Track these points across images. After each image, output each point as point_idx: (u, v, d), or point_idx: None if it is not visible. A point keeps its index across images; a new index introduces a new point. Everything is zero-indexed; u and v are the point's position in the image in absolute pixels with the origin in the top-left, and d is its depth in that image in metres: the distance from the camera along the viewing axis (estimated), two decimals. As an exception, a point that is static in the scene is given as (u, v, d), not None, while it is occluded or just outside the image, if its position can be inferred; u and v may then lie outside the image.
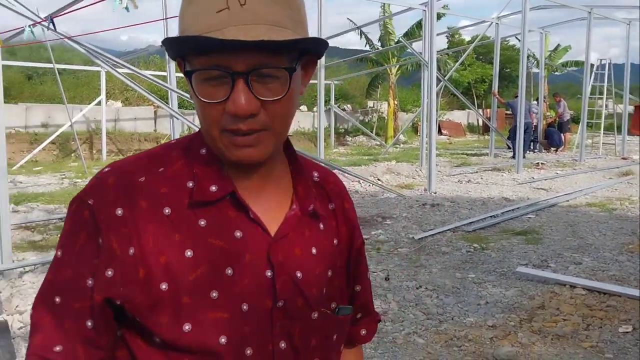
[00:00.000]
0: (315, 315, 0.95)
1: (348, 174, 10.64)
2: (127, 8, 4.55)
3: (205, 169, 0.90)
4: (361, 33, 23.12)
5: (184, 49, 0.83)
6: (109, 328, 0.87)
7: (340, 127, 25.29)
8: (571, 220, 7.91)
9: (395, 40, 22.09)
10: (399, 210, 8.64)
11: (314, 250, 0.95)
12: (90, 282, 0.84)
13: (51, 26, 5.28)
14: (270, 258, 0.90)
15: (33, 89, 20.48)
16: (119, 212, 0.85)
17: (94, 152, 17.58)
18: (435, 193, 10.13)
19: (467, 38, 31.41)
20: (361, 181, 10.96)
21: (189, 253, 0.85)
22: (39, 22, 5.46)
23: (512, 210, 8.54)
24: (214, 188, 0.88)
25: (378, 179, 11.95)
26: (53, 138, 15.88)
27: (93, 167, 14.42)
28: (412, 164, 14.73)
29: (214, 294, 0.85)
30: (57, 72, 11.10)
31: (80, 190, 0.90)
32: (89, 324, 0.84)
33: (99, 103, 17.07)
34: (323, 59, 12.30)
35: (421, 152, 14.14)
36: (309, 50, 0.87)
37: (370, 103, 27.92)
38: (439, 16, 18.48)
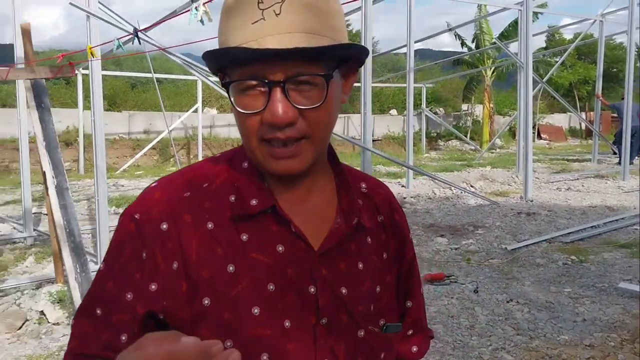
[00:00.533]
0: (362, 333, 0.92)
1: (437, 180, 10.39)
2: (202, 21, 4.65)
3: (247, 183, 0.90)
4: (456, 34, 22.62)
5: (222, 61, 0.82)
6: None
7: (432, 131, 24.83)
8: (684, 232, 7.25)
9: (491, 42, 21.41)
10: (492, 219, 8.30)
11: (360, 266, 0.93)
12: (129, 296, 0.84)
13: (137, 39, 5.51)
14: (313, 273, 0.87)
15: (136, 97, 21.69)
16: (164, 226, 0.85)
17: (191, 157, 18.31)
18: (531, 201, 9.66)
19: (568, 37, 29.95)
20: (452, 188, 10.65)
21: (230, 268, 0.85)
22: (126, 36, 5.72)
23: (616, 220, 7.95)
24: (254, 202, 0.88)
25: (471, 186, 11.58)
26: (153, 144, 16.69)
27: (189, 171, 15.01)
28: (508, 170, 14.17)
29: (256, 311, 0.84)
30: (155, 81, 11.64)
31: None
32: (124, 338, 0.85)
33: (195, 110, 17.77)
34: (412, 61, 12.12)
35: (517, 158, 13.56)
36: (348, 58, 0.85)
37: (464, 106, 27.24)
38: (537, 15, 17.70)
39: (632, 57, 12.08)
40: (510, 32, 20.25)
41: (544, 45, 30.22)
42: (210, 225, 0.86)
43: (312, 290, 0.87)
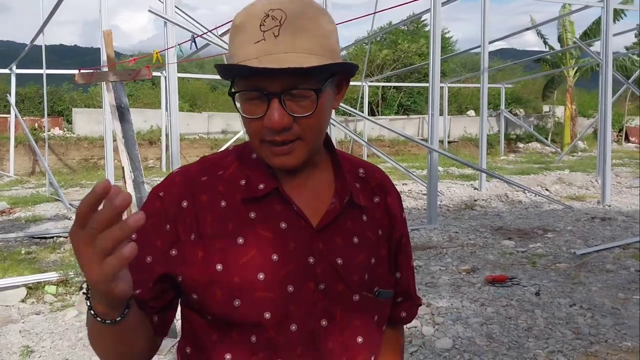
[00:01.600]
0: (357, 297, 1.05)
1: (510, 182, 10.18)
2: None
3: (255, 170, 1.05)
4: (538, 33, 21.95)
5: (230, 73, 0.99)
6: (160, 297, 1.03)
7: (512, 132, 24.19)
8: None
9: (572, 41, 20.62)
10: (563, 223, 8.08)
11: (355, 240, 1.07)
12: (149, 259, 1.00)
13: (194, 44, 5.81)
14: (312, 246, 1.02)
15: (216, 98, 22.49)
16: (185, 204, 1.02)
17: (266, 156, 18.79)
18: (609, 206, 9.30)
19: (662, 35, 28.23)
20: (526, 191, 10.41)
21: (240, 240, 1.00)
22: (186, 41, 6.03)
23: (700, 227, 7.54)
24: (261, 186, 1.03)
25: (546, 189, 11.27)
26: (230, 144, 17.27)
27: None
28: (589, 174, 13.64)
29: (261, 276, 0.99)
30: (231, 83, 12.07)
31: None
32: (137, 291, 1.01)
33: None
34: (487, 61, 11.90)
35: (598, 161, 13.03)
36: (338, 72, 1.00)
37: (545, 107, 26.36)
38: (623, 12, 16.89)
39: None
40: (594, 31, 19.43)
41: (633, 43, 28.70)
42: (223, 204, 1.02)
43: (311, 260, 1.01)
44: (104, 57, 6.56)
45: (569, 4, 17.57)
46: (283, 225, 1.02)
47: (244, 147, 1.11)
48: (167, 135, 16.14)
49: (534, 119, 26.04)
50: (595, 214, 8.59)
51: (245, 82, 0.95)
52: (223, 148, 17.09)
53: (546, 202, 9.75)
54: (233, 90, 0.99)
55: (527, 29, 16.07)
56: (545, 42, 22.56)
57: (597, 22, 19.40)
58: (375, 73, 24.29)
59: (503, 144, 21.86)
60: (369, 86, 21.27)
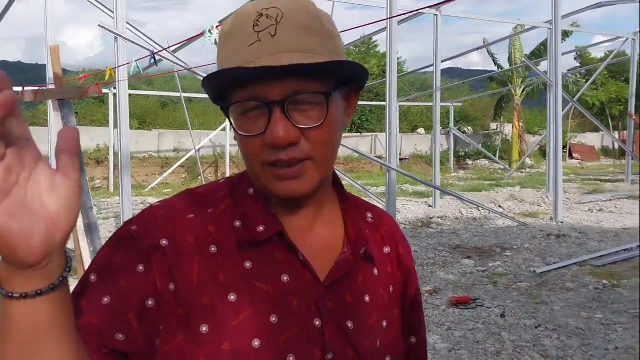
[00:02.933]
0: None
1: (464, 200, 10.25)
2: (216, 43, 4.70)
3: (253, 209, 0.86)
4: (489, 52, 22.53)
5: (220, 84, 0.80)
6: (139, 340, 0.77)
7: (461, 150, 24.62)
8: None
9: (521, 60, 21.25)
10: (520, 240, 8.14)
11: (367, 298, 0.89)
12: (106, 299, 0.76)
13: (153, 61, 5.60)
14: (319, 305, 0.83)
15: (166, 116, 22.02)
16: (164, 242, 0.80)
17: (219, 174, 18.46)
18: (562, 223, 9.45)
19: (599, 56, 29.51)
20: (480, 208, 10.49)
21: (232, 297, 0.80)
22: (144, 57, 5.82)
23: (651, 243, 7.71)
24: (261, 228, 0.84)
25: (499, 206, 11.40)
26: (182, 162, 16.88)
27: (216, 190, 15.12)
28: (538, 190, 13.93)
29: (256, 343, 0.79)
30: (183, 100, 11.81)
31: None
32: (120, 336, 0.75)
33: (224, 129, 17.94)
34: (439, 80, 12.05)
35: (548, 178, 13.34)
36: (348, 78, 0.83)
37: (493, 125, 27.01)
38: (567, 34, 17.50)
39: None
40: (542, 51, 20.06)
41: (574, 64, 29.87)
42: (213, 249, 0.82)
43: (318, 323, 0.83)
44: (50, 74, 6.25)
45: (520, 26, 18.13)
46: (285, 278, 0.83)
47: (238, 180, 0.92)
48: (115, 153, 15.67)
49: (481, 136, 26.61)
50: (550, 230, 8.70)
51: (239, 93, 0.78)
52: (175, 167, 16.69)
53: (500, 219, 9.84)
54: (226, 104, 0.81)
55: (478, 48, 16.40)
56: (494, 62, 23.14)
57: (544, 43, 20.07)
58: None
59: (453, 161, 22.21)
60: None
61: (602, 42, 18.68)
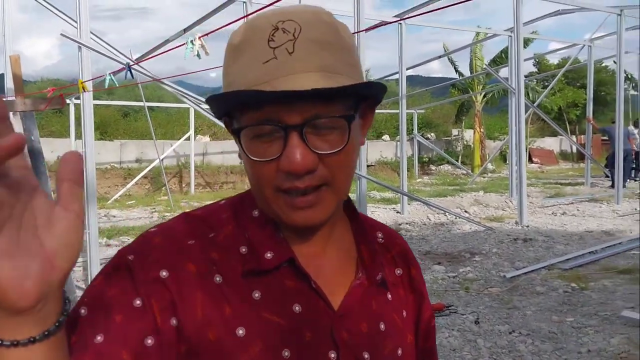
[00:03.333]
0: None
1: (432, 206, 10.32)
2: (198, 55, 4.62)
3: (259, 233, 0.80)
4: (450, 60, 22.87)
5: (230, 105, 0.75)
6: None
7: (424, 156, 24.88)
8: (683, 257, 7.20)
9: (482, 67, 21.64)
10: (488, 245, 8.22)
11: (382, 326, 0.84)
12: (99, 338, 0.68)
13: (129, 73, 5.48)
14: (334, 336, 0.78)
15: (128, 126, 21.64)
16: (164, 274, 0.73)
17: (183, 185, 18.19)
18: (527, 226, 9.60)
19: (555, 62, 30.31)
20: (447, 213, 10.59)
21: (240, 331, 0.74)
22: (120, 70, 5.68)
23: (614, 245, 7.89)
24: (269, 255, 0.78)
25: (465, 211, 11.53)
26: (145, 173, 16.57)
27: (182, 200, 14.89)
28: (501, 195, 14.15)
29: None
30: (147, 110, 11.61)
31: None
32: None
33: (188, 138, 17.72)
34: (404, 87, 12.17)
35: (510, 182, 13.57)
36: (367, 96, 0.78)
37: (454, 131, 27.39)
38: (527, 42, 17.88)
39: (621, 81, 12.17)
40: (502, 59, 20.44)
41: (531, 70, 30.58)
42: (218, 279, 0.76)
43: (333, 356, 0.78)
44: (9, 84, 6.04)
45: (483, 33, 18.45)
46: (297, 308, 0.77)
47: (240, 201, 0.85)
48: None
49: (444, 142, 26.95)
50: (516, 235, 8.82)
51: (252, 115, 0.72)
52: (138, 178, 16.37)
53: (467, 223, 9.94)
54: (236, 126, 0.75)
55: (441, 56, 16.62)
56: (455, 69, 23.50)
57: (504, 51, 20.49)
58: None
59: (417, 167, 22.43)
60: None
61: (560, 49, 19.16)
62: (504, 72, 18.72)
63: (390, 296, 0.87)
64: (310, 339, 0.77)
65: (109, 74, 5.72)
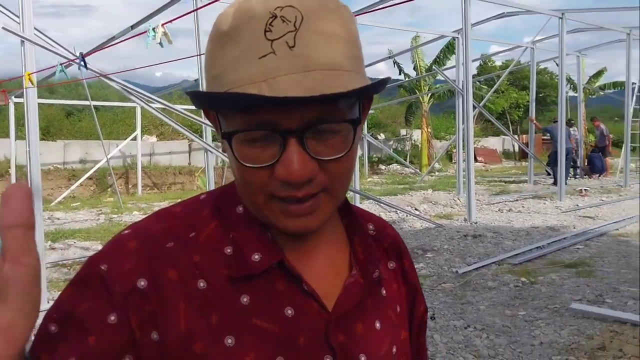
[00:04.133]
0: None
1: (385, 204, 10.43)
2: (161, 44, 4.50)
3: (245, 233, 0.73)
4: (394, 62, 23.16)
5: (220, 105, 0.68)
6: None
7: (374, 155, 25.13)
8: (623, 250, 7.51)
9: (426, 68, 22.03)
10: (439, 242, 8.36)
11: (377, 325, 0.79)
12: None
13: (82, 64, 5.28)
14: (329, 340, 0.73)
15: (72, 125, 20.97)
16: (142, 283, 0.67)
17: (130, 186, 17.74)
18: (476, 223, 9.82)
19: (498, 64, 31.18)
20: (398, 211, 10.71)
21: (229, 341, 0.68)
22: (72, 60, 5.47)
23: (559, 240, 8.16)
24: (257, 257, 0.71)
25: (415, 209, 11.69)
26: (90, 174, 16.09)
27: (129, 201, 14.52)
28: (449, 193, 14.43)
29: None
30: (93, 109, 11.25)
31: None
32: None
33: (134, 138, 17.30)
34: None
35: (458, 180, 13.85)
36: (369, 92, 0.70)
37: (402, 131, 27.79)
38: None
39: (563, 82, 12.61)
40: (443, 59, 20.84)
41: (473, 73, 31.37)
42: (202, 285, 0.70)
43: None
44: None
45: (418, 36, 18.79)
46: (289, 312, 0.72)
47: (222, 195, 0.78)
48: (17, 166, 14.69)
49: (392, 142, 27.31)
50: (466, 231, 9.00)
51: (245, 117, 0.64)
52: (83, 179, 15.87)
53: (418, 221, 10.09)
54: (227, 129, 0.67)
55: (387, 57, 16.80)
56: (400, 71, 23.83)
57: (445, 50, 20.93)
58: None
59: (367, 167, 22.64)
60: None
61: (503, 51, 19.69)
62: (448, 73, 19.12)
63: (384, 292, 0.83)
64: (304, 344, 0.72)
65: (60, 64, 5.49)
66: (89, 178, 16.34)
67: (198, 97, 0.67)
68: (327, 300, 0.74)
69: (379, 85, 0.68)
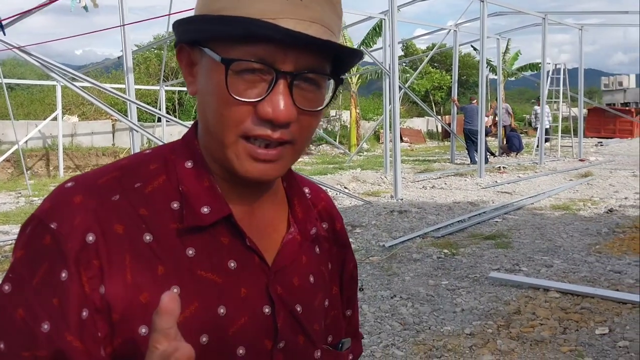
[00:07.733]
0: (318, 354, 0.86)
1: (315, 183, 10.55)
2: (85, 7, 4.34)
3: (195, 186, 0.77)
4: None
5: (223, 30, 0.69)
6: None
7: (303, 136, 25.26)
8: (538, 222, 8.00)
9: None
10: (367, 218, 8.59)
11: (311, 279, 0.86)
12: (46, 326, 0.66)
13: (1, 32, 5.01)
14: (269, 291, 0.79)
15: (-16, 104, 19.77)
16: (90, 238, 0.69)
17: (51, 168, 17.04)
18: (401, 199, 10.13)
19: (423, 47, 31.97)
20: (329, 190, 10.88)
21: (175, 290, 0.72)
22: None
23: (479, 214, 8.58)
24: (205, 210, 0.75)
25: (345, 188, 11.90)
26: (6, 156, 15.31)
27: (50, 184, 13.98)
28: (377, 172, 14.75)
29: (204, 339, 0.73)
30: (4, 87, 10.67)
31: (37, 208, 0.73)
32: None
33: (54, 118, 16.58)
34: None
35: (385, 160, 14.17)
36: (347, 63, 0.77)
37: (332, 112, 28.00)
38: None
39: (484, 65, 13.12)
40: (369, 40, 21.11)
41: (399, 54, 31.99)
42: (148, 238, 0.72)
43: (267, 310, 0.78)
44: None
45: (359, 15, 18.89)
46: (232, 264, 0.76)
47: (171, 150, 0.80)
48: None
49: (323, 123, 27.52)
50: (392, 207, 9.28)
51: (243, 49, 0.68)
52: (0, 160, 15.09)
53: (348, 199, 10.30)
54: (225, 56, 0.69)
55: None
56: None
57: (372, 32, 21.19)
58: (170, 77, 23.46)
59: (296, 147, 22.76)
60: (165, 90, 20.45)
61: (428, 33, 20.15)
62: (375, 55, 19.40)
63: (318, 249, 0.89)
64: (246, 294, 0.77)
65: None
66: (6, 160, 15.55)
67: (195, 22, 0.71)
68: (267, 255, 0.80)
69: (357, 57, 0.76)
